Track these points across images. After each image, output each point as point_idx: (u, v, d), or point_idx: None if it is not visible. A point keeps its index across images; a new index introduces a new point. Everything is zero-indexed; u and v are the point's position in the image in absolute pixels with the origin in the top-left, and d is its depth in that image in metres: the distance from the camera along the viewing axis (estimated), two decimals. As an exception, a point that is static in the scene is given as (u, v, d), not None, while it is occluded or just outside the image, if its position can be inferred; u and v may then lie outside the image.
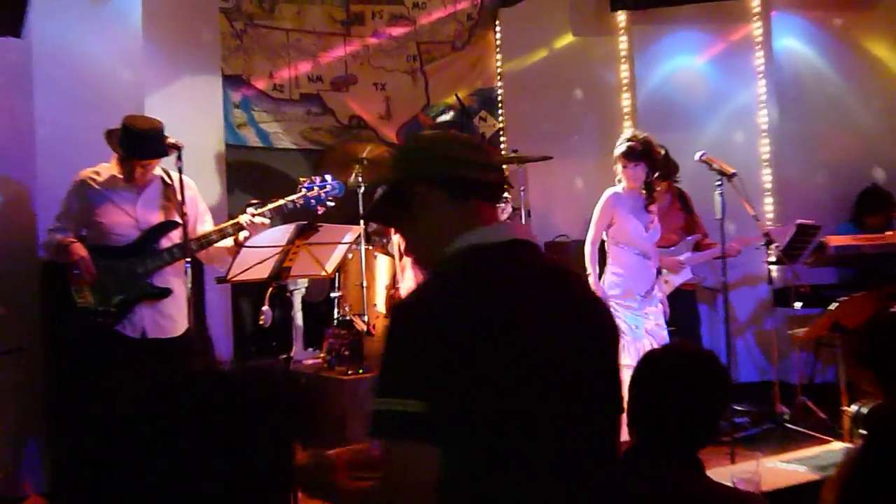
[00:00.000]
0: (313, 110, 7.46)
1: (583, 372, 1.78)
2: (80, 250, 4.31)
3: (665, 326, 5.25)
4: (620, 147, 5.18)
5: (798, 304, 6.14)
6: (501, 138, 8.13)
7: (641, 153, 5.16)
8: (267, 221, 4.52)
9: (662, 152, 5.45)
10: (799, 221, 6.14)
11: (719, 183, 5.06)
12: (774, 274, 6.25)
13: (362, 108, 7.64)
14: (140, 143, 4.36)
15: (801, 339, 6.05)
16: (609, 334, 1.92)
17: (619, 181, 5.25)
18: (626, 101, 7.76)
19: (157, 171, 4.54)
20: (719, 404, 2.31)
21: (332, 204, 5.12)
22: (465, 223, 1.86)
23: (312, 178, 4.72)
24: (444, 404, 1.62)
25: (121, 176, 4.48)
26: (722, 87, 7.54)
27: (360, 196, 6.13)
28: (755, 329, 7.34)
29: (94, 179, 4.47)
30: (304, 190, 4.71)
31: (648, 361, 2.33)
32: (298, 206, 4.67)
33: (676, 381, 2.23)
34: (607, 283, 5.25)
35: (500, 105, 8.13)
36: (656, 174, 5.24)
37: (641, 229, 5.22)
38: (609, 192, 5.25)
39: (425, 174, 1.89)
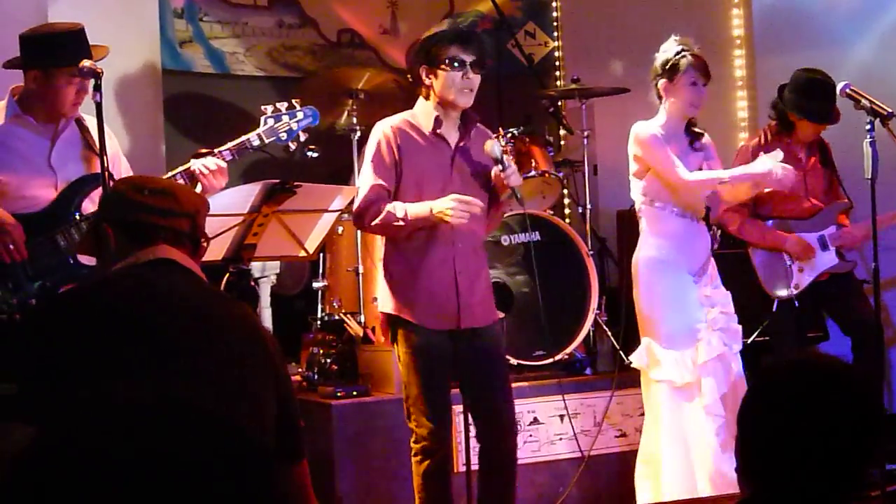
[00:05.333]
0: (287, 21, 7.47)
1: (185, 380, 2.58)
2: (6, 216, 4.38)
3: (734, 313, 5.28)
4: (682, 57, 5.17)
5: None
6: (557, 63, 8.11)
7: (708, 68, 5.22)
8: (224, 164, 4.57)
9: None
10: None
11: (869, 127, 5.03)
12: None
13: (357, 19, 7.65)
14: (64, 46, 4.45)
15: None
16: (254, 350, 2.78)
17: (666, 109, 5.23)
18: (736, 8, 7.71)
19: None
20: (867, 443, 2.31)
21: (314, 154, 5.13)
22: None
23: (276, 105, 4.79)
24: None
25: (28, 115, 4.55)
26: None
27: (354, 143, 6.14)
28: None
29: None
30: (269, 121, 4.76)
31: (765, 381, 2.33)
32: (266, 142, 4.74)
33: (805, 410, 2.23)
34: (641, 260, 5.27)
35: (556, 15, 8.10)
36: None
37: None
38: (645, 125, 5.25)
39: (111, 217, 2.96)
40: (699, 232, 5.26)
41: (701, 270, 5.24)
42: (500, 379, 4.70)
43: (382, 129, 4.62)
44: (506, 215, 5.46)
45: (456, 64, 4.48)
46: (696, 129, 5.32)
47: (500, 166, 4.51)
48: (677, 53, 5.17)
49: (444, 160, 4.58)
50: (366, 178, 4.60)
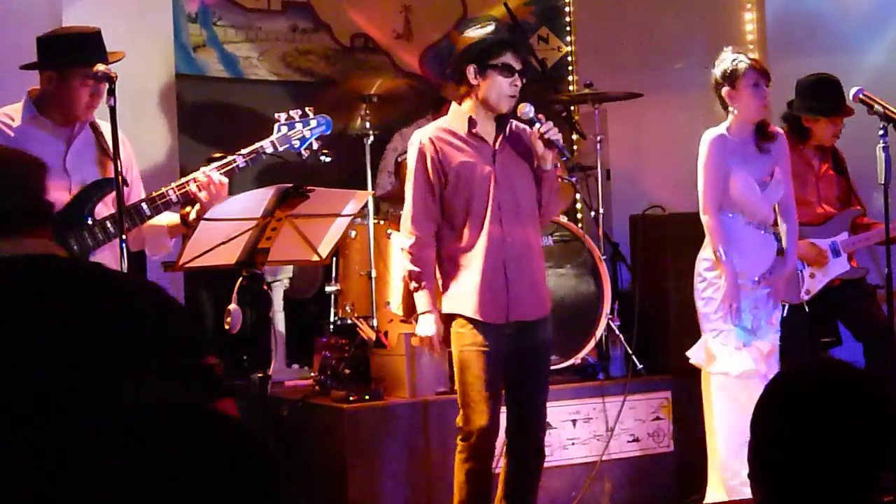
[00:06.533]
0: (301, 26, 7.48)
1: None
2: None
3: (779, 326, 5.32)
4: (741, 62, 5.16)
5: None
6: (570, 67, 8.11)
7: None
8: (225, 181, 4.56)
9: None
10: None
11: (883, 132, 5.02)
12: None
13: (371, 24, 7.66)
14: (81, 47, 4.47)
15: None
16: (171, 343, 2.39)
17: (732, 114, 5.22)
18: (749, 13, 7.71)
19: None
20: (880, 449, 2.31)
21: (328, 159, 5.14)
22: None
23: (290, 112, 4.79)
24: None
25: (44, 117, 4.56)
26: (889, -7, 7.49)
27: (367, 147, 6.15)
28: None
29: (6, 124, 4.55)
30: (282, 129, 4.77)
31: (777, 387, 2.33)
32: (280, 149, 4.74)
33: (818, 415, 2.23)
34: (704, 260, 5.27)
35: (569, 20, 8.10)
36: None
37: (754, 186, 5.21)
38: (711, 133, 5.23)
39: None
40: (765, 241, 5.29)
41: (763, 278, 5.26)
42: (539, 377, 4.75)
43: (420, 140, 4.68)
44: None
45: (507, 70, 4.58)
46: (769, 130, 5.30)
47: (537, 125, 4.59)
48: (734, 60, 5.18)
49: (485, 158, 4.63)
50: (409, 197, 4.71)
